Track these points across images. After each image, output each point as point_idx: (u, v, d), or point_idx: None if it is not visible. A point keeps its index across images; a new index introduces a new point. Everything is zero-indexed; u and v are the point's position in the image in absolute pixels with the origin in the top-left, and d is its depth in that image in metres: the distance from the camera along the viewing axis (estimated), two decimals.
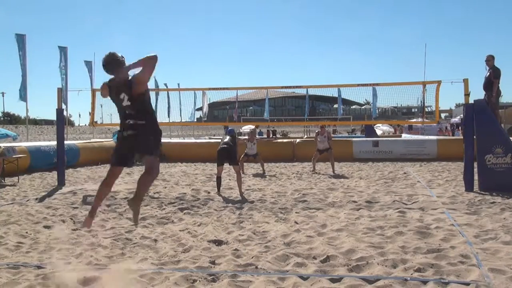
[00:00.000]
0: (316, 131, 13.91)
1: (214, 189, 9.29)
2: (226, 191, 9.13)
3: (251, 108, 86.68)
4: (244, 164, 12.93)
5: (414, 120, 35.13)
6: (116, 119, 5.12)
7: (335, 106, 34.10)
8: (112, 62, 4.10)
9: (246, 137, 13.37)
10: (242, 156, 12.35)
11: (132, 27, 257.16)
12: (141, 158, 4.34)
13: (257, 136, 17.40)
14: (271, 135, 30.30)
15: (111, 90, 4.17)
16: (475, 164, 8.61)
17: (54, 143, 13.30)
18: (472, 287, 3.52)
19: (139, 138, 4.08)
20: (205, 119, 29.49)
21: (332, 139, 13.70)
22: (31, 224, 6.10)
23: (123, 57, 4.17)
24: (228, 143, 8.94)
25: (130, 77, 4.13)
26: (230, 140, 9.04)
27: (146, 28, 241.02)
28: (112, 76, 4.19)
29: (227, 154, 8.82)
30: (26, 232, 5.57)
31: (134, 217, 4.35)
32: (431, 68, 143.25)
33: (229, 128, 10.68)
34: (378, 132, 32.55)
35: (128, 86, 4.07)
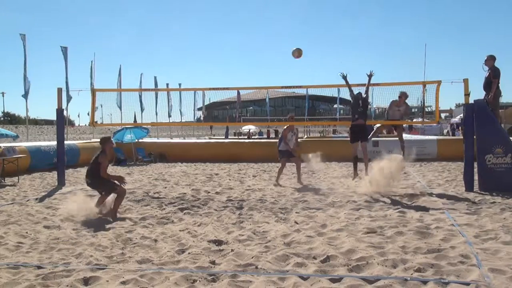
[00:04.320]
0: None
1: (214, 189, 9.29)
2: (226, 191, 9.13)
3: (251, 108, 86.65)
4: (246, 164, 12.66)
5: (414, 120, 35.09)
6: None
7: (335, 106, 34.07)
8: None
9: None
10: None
11: (132, 27, 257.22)
12: None
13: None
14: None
15: None
16: (475, 164, 8.61)
17: (54, 143, 13.32)
18: (472, 287, 3.52)
19: None
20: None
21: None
22: (31, 224, 6.10)
23: None
24: (359, 124, 9.18)
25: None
26: (361, 114, 9.20)
27: (147, 28, 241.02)
28: None
29: (359, 132, 9.28)
30: (26, 232, 5.57)
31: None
32: (431, 68, 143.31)
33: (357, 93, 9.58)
34: None
35: None
